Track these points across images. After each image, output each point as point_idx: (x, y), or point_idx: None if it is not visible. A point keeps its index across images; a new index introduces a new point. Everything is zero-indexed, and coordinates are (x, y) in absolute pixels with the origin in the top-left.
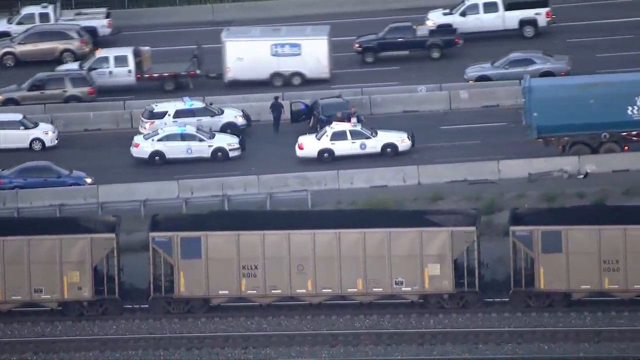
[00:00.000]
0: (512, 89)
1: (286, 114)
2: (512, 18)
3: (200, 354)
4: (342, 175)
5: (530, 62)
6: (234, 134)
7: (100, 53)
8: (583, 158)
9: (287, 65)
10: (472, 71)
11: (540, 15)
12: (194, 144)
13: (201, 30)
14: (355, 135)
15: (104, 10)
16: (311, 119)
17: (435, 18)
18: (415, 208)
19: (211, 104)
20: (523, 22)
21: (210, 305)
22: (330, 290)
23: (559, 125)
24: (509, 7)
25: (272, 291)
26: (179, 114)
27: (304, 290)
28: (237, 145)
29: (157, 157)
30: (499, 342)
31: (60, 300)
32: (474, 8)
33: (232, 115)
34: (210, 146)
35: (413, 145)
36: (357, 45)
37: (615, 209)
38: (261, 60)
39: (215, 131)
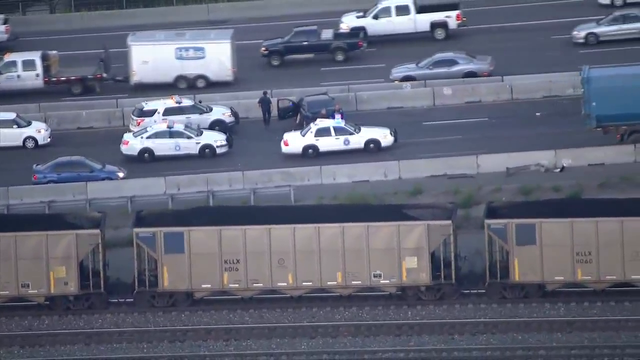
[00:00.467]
0: (494, 85)
1: (274, 111)
2: (424, 21)
3: (182, 347)
4: (325, 170)
5: (453, 62)
6: (222, 131)
7: (9, 57)
8: (559, 152)
9: (191, 68)
10: (398, 71)
11: (451, 17)
12: (182, 141)
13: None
14: (338, 131)
15: (1, 16)
16: (297, 115)
17: (349, 21)
18: (395, 202)
19: (200, 101)
20: (434, 25)
21: (194, 298)
22: (310, 283)
23: (618, 114)
24: (420, 10)
25: (254, 285)
26: (168, 111)
27: (285, 284)
28: (224, 142)
29: (146, 154)
30: (474, 333)
31: (47, 295)
32: (386, 11)
33: (221, 112)
34: (197, 143)
35: (396, 140)
36: (263, 48)
37: (588, 202)
38: (166, 64)
39: (203, 128)
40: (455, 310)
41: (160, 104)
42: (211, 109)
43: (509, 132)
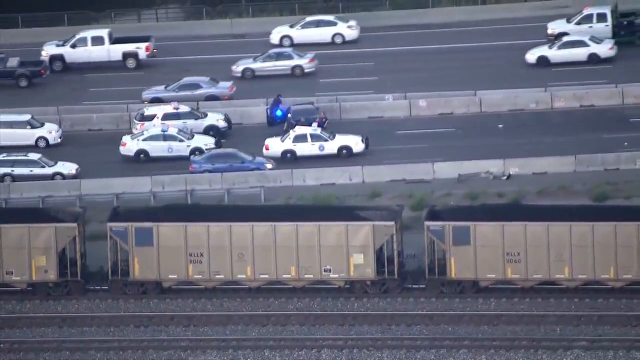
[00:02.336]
0: (466, 98)
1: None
2: (116, 51)
3: (145, 331)
4: (296, 173)
5: (198, 86)
6: (214, 136)
7: None
8: (508, 161)
9: None
10: (147, 93)
11: (141, 49)
12: (174, 144)
13: (221, 42)
14: (314, 138)
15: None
16: (285, 123)
17: (49, 49)
18: (355, 204)
19: (197, 108)
20: (125, 55)
21: (162, 287)
22: (267, 275)
23: None
24: (115, 41)
25: (216, 276)
26: (166, 116)
27: (244, 276)
28: (212, 146)
29: (141, 155)
30: (409, 324)
31: (28, 282)
32: (83, 41)
33: (215, 118)
34: (188, 146)
35: (367, 147)
36: None
37: (519, 207)
38: None
39: (198, 132)
40: (397, 303)
41: (159, 109)
42: (206, 115)
43: (471, 141)
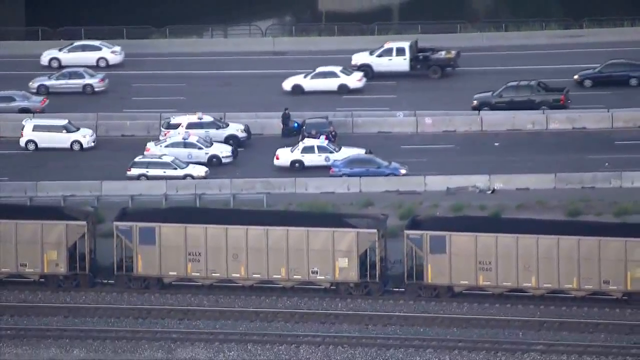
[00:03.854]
0: (469, 117)
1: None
2: None
3: (142, 323)
4: (299, 182)
5: (11, 99)
6: (232, 144)
7: None
8: (494, 177)
9: None
10: None
11: None
12: (193, 151)
13: (262, 59)
14: (321, 149)
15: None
16: (300, 135)
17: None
18: (350, 212)
19: (221, 119)
20: None
21: (164, 283)
22: (259, 275)
23: None
24: None
25: (213, 274)
26: (190, 125)
27: (238, 275)
28: (229, 154)
29: None
30: (385, 324)
31: (41, 274)
32: None
33: (235, 128)
34: (206, 153)
35: None
36: None
37: (494, 220)
38: None
39: (218, 141)
40: (377, 304)
41: (185, 119)
42: (228, 125)
43: (466, 158)
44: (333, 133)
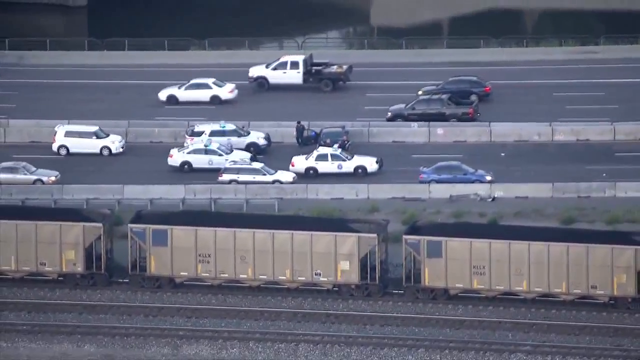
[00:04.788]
0: (478, 129)
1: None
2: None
3: (153, 320)
4: (310, 188)
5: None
6: (252, 151)
7: None
8: (494, 185)
9: None
10: None
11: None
12: (214, 157)
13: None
14: (334, 157)
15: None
16: (317, 143)
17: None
18: (356, 217)
19: (243, 127)
20: None
21: (175, 283)
22: (265, 276)
23: None
24: None
25: (221, 275)
26: (213, 133)
27: (246, 276)
28: (247, 160)
29: (185, 166)
30: (382, 324)
31: (59, 273)
32: None
33: (256, 136)
34: (226, 160)
35: (380, 168)
36: None
37: (489, 226)
38: None
39: (239, 148)
40: (377, 305)
41: (208, 127)
42: (249, 133)
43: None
44: (346, 142)
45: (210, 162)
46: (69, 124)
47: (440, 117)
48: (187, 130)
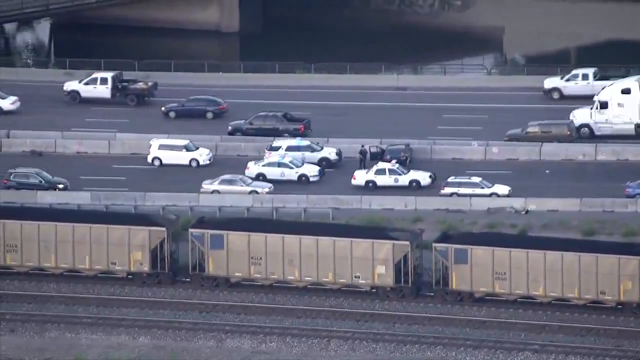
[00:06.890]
0: (529, 148)
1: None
2: None
3: (205, 316)
4: (364, 199)
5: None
6: (322, 165)
7: None
8: (529, 199)
9: None
10: None
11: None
12: (286, 170)
13: (387, 93)
14: (392, 172)
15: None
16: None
17: None
18: (400, 226)
19: (317, 143)
20: None
21: (231, 282)
22: (310, 278)
23: None
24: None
25: (271, 276)
26: (289, 148)
27: (293, 277)
28: (316, 173)
29: (260, 177)
30: (410, 323)
31: (128, 272)
32: None
33: (328, 152)
34: (297, 172)
35: (433, 182)
36: None
37: (512, 237)
38: None
39: (311, 162)
40: (409, 306)
41: (285, 143)
42: (322, 148)
43: (516, 182)
44: (405, 158)
45: (282, 175)
46: (167, 137)
47: (275, 132)
48: (267, 145)
